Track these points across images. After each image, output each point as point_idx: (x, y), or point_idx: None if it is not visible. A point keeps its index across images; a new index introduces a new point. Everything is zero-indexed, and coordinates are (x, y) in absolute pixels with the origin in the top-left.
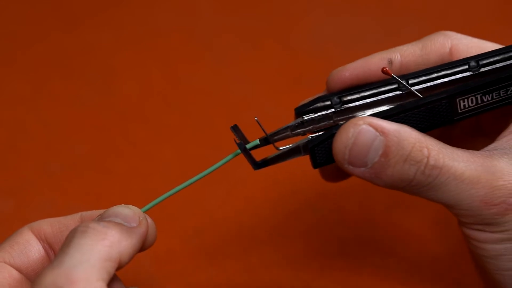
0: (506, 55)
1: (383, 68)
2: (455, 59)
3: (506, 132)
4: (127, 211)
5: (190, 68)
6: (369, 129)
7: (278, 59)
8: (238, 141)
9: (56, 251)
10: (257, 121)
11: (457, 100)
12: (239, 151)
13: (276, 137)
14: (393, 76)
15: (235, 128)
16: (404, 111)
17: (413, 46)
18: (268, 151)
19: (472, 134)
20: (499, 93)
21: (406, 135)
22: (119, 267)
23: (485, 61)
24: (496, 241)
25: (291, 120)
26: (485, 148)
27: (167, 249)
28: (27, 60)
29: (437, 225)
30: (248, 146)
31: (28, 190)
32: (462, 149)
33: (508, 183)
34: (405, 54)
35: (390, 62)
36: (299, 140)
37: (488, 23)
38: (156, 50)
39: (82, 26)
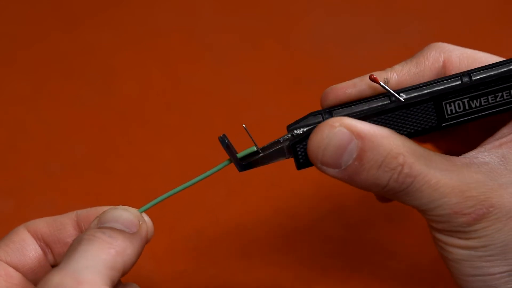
0: (500, 70)
1: (371, 75)
2: (448, 71)
3: (491, 140)
4: (127, 215)
5: (190, 68)
6: (344, 131)
7: (278, 59)
8: (222, 137)
9: (52, 250)
10: (245, 128)
11: (444, 104)
12: (228, 161)
13: (267, 151)
14: (380, 83)
15: (223, 141)
16: (385, 112)
17: (408, 64)
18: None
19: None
20: (487, 99)
21: (383, 141)
22: (123, 274)
23: (478, 76)
24: (462, 247)
25: (291, 119)
26: (467, 154)
27: (167, 249)
28: (27, 60)
29: None
30: (242, 154)
31: (28, 190)
32: (443, 156)
33: (481, 194)
34: (401, 74)
35: (387, 81)
36: (280, 137)
37: (488, 23)
38: (156, 50)
39: (82, 26)
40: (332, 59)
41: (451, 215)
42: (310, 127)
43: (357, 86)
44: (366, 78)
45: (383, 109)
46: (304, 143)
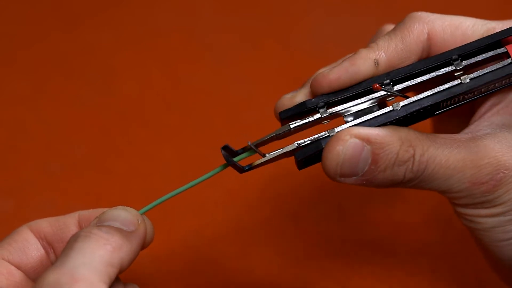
0: (495, 68)
1: (374, 85)
2: (433, 43)
3: (482, 110)
4: (126, 215)
5: (190, 68)
6: (356, 142)
7: (278, 59)
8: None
9: (55, 249)
10: (251, 145)
11: (440, 102)
12: (224, 165)
13: (262, 145)
14: (385, 91)
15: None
16: (390, 122)
17: (393, 40)
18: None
19: None
20: (480, 90)
21: (391, 139)
22: (120, 272)
23: (476, 75)
24: (489, 216)
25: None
26: (466, 130)
27: (167, 249)
28: (27, 60)
29: (438, 225)
30: (238, 158)
31: (28, 190)
32: (444, 135)
33: (493, 160)
34: (389, 52)
35: (376, 62)
36: (286, 147)
37: None
38: (156, 50)
39: (82, 26)
40: (332, 59)
41: (471, 188)
42: (313, 139)
43: (349, 71)
44: (355, 61)
45: (389, 120)
46: (310, 153)
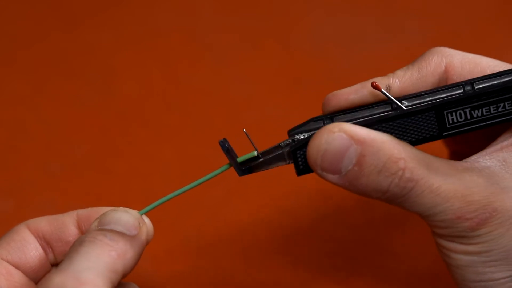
0: (502, 80)
1: (373, 82)
2: (450, 76)
3: (492, 144)
4: (127, 218)
5: (190, 68)
6: (343, 136)
7: (278, 59)
8: (222, 142)
9: (53, 248)
10: (245, 133)
11: (445, 113)
12: (228, 165)
13: (267, 156)
14: (382, 91)
15: (224, 145)
16: (386, 120)
17: (410, 70)
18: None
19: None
20: (489, 109)
21: (383, 145)
22: (123, 277)
23: (480, 85)
24: (465, 253)
25: (291, 119)
26: (469, 159)
27: (167, 249)
28: (27, 60)
29: None
30: (242, 158)
31: (28, 190)
32: (444, 160)
33: (483, 199)
34: (403, 79)
35: (389, 88)
36: (281, 142)
37: (488, 22)
38: (156, 50)
39: (82, 26)
40: (332, 59)
41: (454, 220)
42: (310, 133)
43: (359, 92)
44: (367, 84)
45: (385, 118)
46: (304, 149)
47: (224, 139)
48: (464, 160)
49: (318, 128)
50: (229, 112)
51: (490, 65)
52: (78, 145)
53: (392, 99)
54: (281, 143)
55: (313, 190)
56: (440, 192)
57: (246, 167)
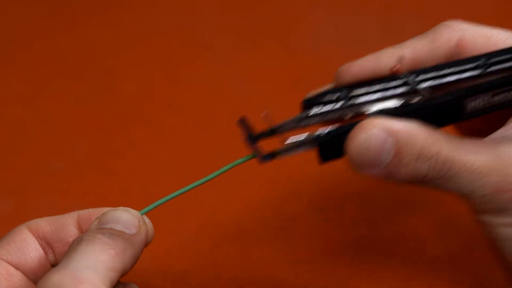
0: None
1: (394, 66)
2: (462, 51)
3: None
4: (127, 217)
5: (190, 68)
6: (379, 133)
7: (278, 59)
8: (246, 133)
9: (54, 249)
10: (265, 114)
11: (465, 101)
12: (251, 155)
13: (281, 129)
14: (401, 77)
15: (243, 122)
16: (411, 112)
17: (423, 41)
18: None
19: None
20: (509, 94)
21: (416, 132)
22: (122, 275)
23: (495, 60)
24: (509, 225)
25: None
26: (492, 135)
27: (166, 249)
28: (27, 60)
29: (438, 225)
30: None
31: (28, 190)
32: (471, 139)
33: None
34: (416, 49)
35: (402, 58)
36: (307, 134)
37: (489, 22)
38: (156, 50)
39: (82, 26)
40: (332, 59)
41: (493, 194)
42: (333, 129)
43: (371, 63)
44: (380, 55)
45: (410, 110)
46: (330, 143)
47: (243, 116)
48: (490, 136)
49: (333, 101)
50: (229, 112)
51: (502, 37)
52: (78, 145)
53: (414, 85)
54: (297, 116)
55: (313, 190)
56: (474, 168)
57: (269, 154)
